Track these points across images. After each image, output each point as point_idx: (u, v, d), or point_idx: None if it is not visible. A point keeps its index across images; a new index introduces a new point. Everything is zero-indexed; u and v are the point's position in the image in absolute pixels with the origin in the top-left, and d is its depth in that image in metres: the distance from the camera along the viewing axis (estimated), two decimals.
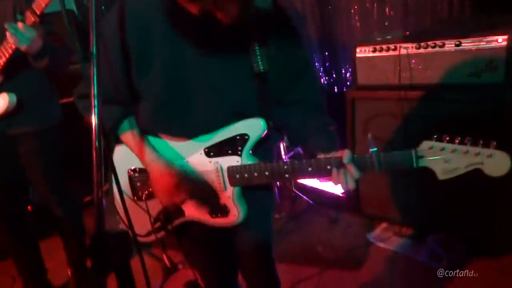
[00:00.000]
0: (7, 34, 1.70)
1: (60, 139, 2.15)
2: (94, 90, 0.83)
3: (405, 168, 1.11)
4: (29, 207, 3.03)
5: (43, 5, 1.69)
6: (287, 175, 1.23)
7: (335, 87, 3.41)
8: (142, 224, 1.40)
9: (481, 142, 1.03)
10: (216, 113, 1.25)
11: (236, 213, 1.32)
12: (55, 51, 1.86)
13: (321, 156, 1.21)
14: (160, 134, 1.33)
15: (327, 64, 3.42)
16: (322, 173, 1.19)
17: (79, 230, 2.37)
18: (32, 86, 1.99)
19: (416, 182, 2.12)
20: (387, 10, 2.96)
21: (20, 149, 2.06)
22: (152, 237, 1.43)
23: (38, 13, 1.71)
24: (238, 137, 1.27)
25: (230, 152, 1.28)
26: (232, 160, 1.28)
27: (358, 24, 3.11)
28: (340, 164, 1.15)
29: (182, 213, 1.37)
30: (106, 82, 1.20)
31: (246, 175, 1.26)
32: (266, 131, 1.26)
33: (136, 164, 1.37)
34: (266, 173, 1.24)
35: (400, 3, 2.88)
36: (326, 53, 3.39)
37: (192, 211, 1.35)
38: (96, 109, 0.86)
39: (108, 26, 1.18)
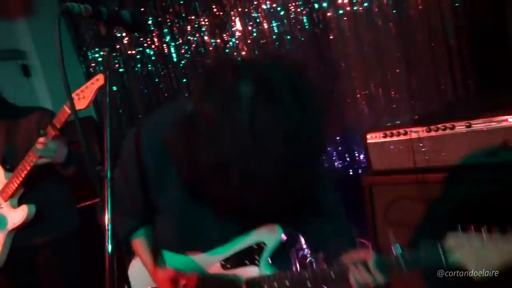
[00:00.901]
0: (32, 149, 1.80)
1: (78, 246, 2.13)
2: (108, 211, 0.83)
3: (435, 265, 1.02)
4: None
5: (63, 120, 1.81)
6: (309, 284, 1.16)
7: (350, 171, 3.40)
8: None
9: (510, 229, 0.92)
10: (231, 224, 1.21)
11: None
12: (80, 158, 1.94)
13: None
14: (176, 248, 1.29)
15: (339, 148, 3.45)
16: (347, 281, 1.10)
17: None
18: (51, 196, 2.05)
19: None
20: (392, 93, 3.06)
21: (38, 259, 2.05)
22: None
23: (58, 127, 1.82)
24: (255, 246, 1.21)
25: (247, 262, 1.22)
26: (250, 271, 1.22)
27: (365, 109, 3.20)
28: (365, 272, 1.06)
29: None
30: (125, 197, 1.22)
31: (265, 286, 1.19)
32: (284, 237, 1.21)
33: (151, 283, 1.30)
34: (287, 282, 1.16)
35: (404, 86, 2.98)
36: (338, 138, 3.44)
37: None
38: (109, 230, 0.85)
39: (126, 146, 1.22)
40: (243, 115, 0.86)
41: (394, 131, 2.09)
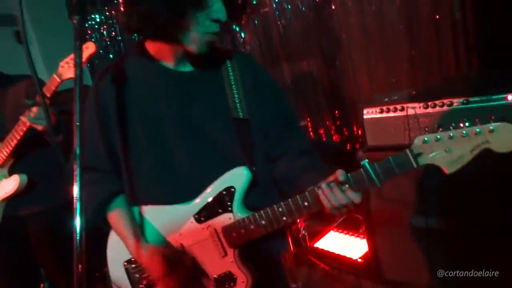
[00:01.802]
0: (21, 117, 1.77)
1: (68, 216, 2.14)
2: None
3: (407, 171, 1.02)
4: (41, 284, 2.99)
5: (53, 88, 1.77)
6: (284, 218, 1.14)
7: (348, 145, 3.38)
8: None
9: (478, 119, 0.95)
10: (200, 171, 1.21)
11: (244, 278, 1.20)
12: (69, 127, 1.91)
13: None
14: (148, 203, 1.27)
15: (337, 123, 3.41)
16: (320, 204, 1.09)
17: None
18: (41, 166, 2.03)
19: (439, 241, 2.00)
20: (393, 67, 2.99)
21: (29, 229, 2.06)
22: None
23: (48, 95, 1.78)
24: (224, 192, 1.19)
25: (220, 211, 1.20)
26: (225, 219, 1.19)
27: (365, 82, 3.13)
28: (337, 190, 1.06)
29: None
30: (95, 148, 1.25)
31: (242, 231, 1.17)
32: (251, 178, 1.19)
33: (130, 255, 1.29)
34: (263, 222, 1.15)
35: (406, 60, 2.90)
36: (336, 112, 3.40)
37: None
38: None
39: (88, 102, 1.27)
40: None
41: (391, 107, 2.05)
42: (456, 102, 1.85)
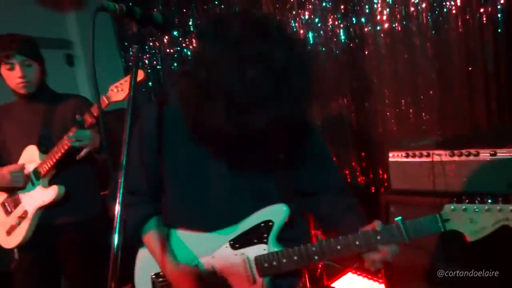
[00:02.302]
0: (65, 137, 1.93)
1: (99, 230, 2.22)
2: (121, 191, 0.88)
3: (434, 232, 1.15)
4: None
5: (98, 111, 1.91)
6: (316, 257, 1.22)
7: (372, 188, 3.38)
8: None
9: (501, 199, 1.09)
10: (238, 204, 1.28)
11: None
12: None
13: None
14: (183, 227, 1.35)
15: (363, 164, 3.43)
16: (352, 249, 1.18)
17: None
18: (79, 180, 2.16)
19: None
20: (423, 114, 3.02)
21: (60, 239, 2.16)
22: None
23: (95, 115, 1.93)
24: (262, 225, 1.27)
25: (255, 241, 1.27)
26: (259, 249, 1.26)
27: (394, 127, 3.17)
28: (370, 239, 1.16)
29: None
30: (137, 174, 1.34)
31: (274, 263, 1.24)
32: (289, 214, 1.26)
33: (159, 268, 1.37)
34: (295, 257, 1.23)
35: (436, 109, 2.93)
36: (363, 153, 3.43)
37: None
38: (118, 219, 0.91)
39: (146, 115, 1.36)
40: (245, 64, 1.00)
41: (417, 152, 2.08)
42: (483, 152, 1.87)
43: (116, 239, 0.89)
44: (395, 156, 2.18)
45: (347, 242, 1.19)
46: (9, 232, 2.11)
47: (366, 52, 3.21)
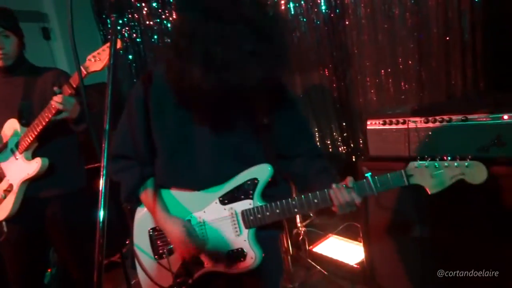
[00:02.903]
0: (51, 103, 1.91)
1: (84, 204, 2.25)
2: (104, 164, 0.91)
3: (399, 186, 1.32)
4: (49, 269, 3.10)
5: (78, 80, 1.91)
6: (296, 210, 1.40)
7: (353, 157, 3.47)
8: (165, 281, 1.50)
9: (458, 157, 1.24)
10: (225, 165, 1.42)
11: (253, 255, 1.42)
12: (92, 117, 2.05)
13: None
14: (176, 187, 1.49)
15: (344, 134, 3.51)
16: (327, 201, 1.36)
17: None
18: (63, 153, 2.16)
19: (429, 251, 2.08)
20: (402, 84, 3.09)
21: (47, 211, 2.18)
22: None
23: (74, 86, 1.93)
24: (249, 182, 1.42)
25: (242, 197, 1.43)
26: (245, 204, 1.43)
27: (373, 97, 3.24)
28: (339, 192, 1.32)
29: (201, 264, 1.48)
30: (129, 139, 1.48)
31: (259, 215, 1.41)
32: (273, 174, 1.42)
33: (155, 223, 1.52)
34: (277, 210, 1.39)
35: (415, 78, 3.00)
36: (344, 123, 3.50)
37: (211, 261, 1.47)
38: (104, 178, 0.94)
39: (135, 92, 1.48)
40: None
41: (394, 120, 2.15)
42: (455, 118, 1.95)
43: (101, 212, 0.92)
44: (372, 124, 2.25)
45: (323, 195, 1.36)
46: None
47: (347, 23, 3.23)
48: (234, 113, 1.40)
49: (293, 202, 1.38)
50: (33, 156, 2.08)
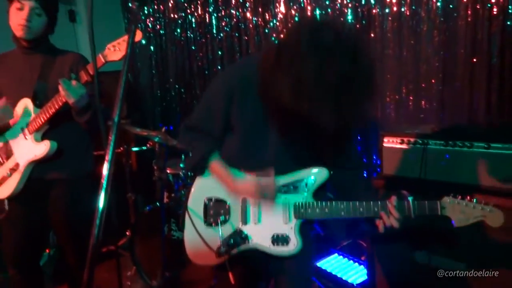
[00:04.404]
0: (60, 87, 1.89)
1: (89, 190, 2.23)
2: (109, 158, 0.88)
3: (431, 214, 1.46)
4: (47, 250, 3.10)
5: (97, 67, 1.88)
6: (343, 213, 1.53)
7: (364, 172, 3.39)
8: (210, 246, 1.65)
9: (483, 201, 1.44)
10: (287, 162, 1.59)
11: (295, 243, 1.58)
12: (97, 111, 2.02)
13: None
14: (243, 169, 1.62)
15: (358, 148, 3.44)
16: (371, 214, 1.51)
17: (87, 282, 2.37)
18: (72, 138, 2.15)
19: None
20: (423, 102, 3.01)
21: (50, 194, 2.17)
22: (217, 259, 1.65)
23: (91, 73, 1.90)
24: (307, 179, 1.60)
25: (298, 190, 1.60)
26: (298, 197, 1.60)
27: (392, 113, 3.16)
28: (386, 207, 1.48)
29: (247, 239, 1.64)
30: (210, 116, 1.64)
31: (309, 210, 1.57)
32: (328, 178, 1.58)
33: (213, 194, 1.70)
34: (326, 210, 1.56)
35: (437, 98, 2.92)
36: (359, 137, 3.43)
37: (257, 238, 1.63)
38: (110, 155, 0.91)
39: (228, 74, 1.68)
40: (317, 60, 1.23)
41: (412, 139, 2.08)
42: (478, 145, 1.87)
43: (102, 197, 0.89)
44: (389, 142, 2.18)
45: (369, 207, 1.50)
46: (0, 183, 2.12)
47: (372, 35, 3.17)
48: (303, 129, 1.48)
49: (342, 206, 1.52)
50: (43, 138, 2.07)
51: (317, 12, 3.40)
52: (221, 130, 1.64)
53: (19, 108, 2.09)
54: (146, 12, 4.50)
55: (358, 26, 3.22)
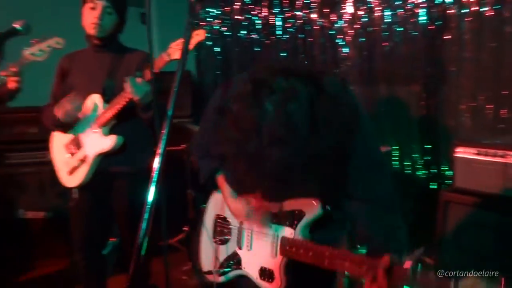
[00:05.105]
0: (125, 85, 1.97)
1: (148, 184, 2.29)
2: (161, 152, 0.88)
3: None
4: (111, 239, 3.25)
5: (160, 66, 1.94)
6: (326, 261, 1.25)
7: (433, 184, 3.16)
8: (209, 263, 1.63)
9: None
10: (283, 188, 1.40)
11: (279, 283, 1.37)
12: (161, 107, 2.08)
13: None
14: (240, 192, 1.53)
15: (427, 157, 3.22)
16: (356, 271, 1.17)
17: (144, 273, 2.44)
18: (136, 133, 2.23)
19: None
20: (502, 111, 2.74)
21: (114, 185, 2.28)
22: (211, 277, 1.61)
23: (155, 71, 1.95)
24: (296, 212, 1.38)
25: (287, 223, 1.40)
26: (287, 232, 1.39)
27: (467, 121, 2.91)
28: (373, 269, 1.11)
29: (239, 264, 1.53)
30: (207, 140, 1.59)
31: (294, 249, 1.34)
32: (322, 215, 1.33)
33: (222, 212, 1.65)
34: (310, 253, 1.29)
35: None
36: (428, 146, 3.21)
37: (247, 265, 1.50)
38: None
39: (213, 99, 1.59)
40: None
41: (490, 151, 1.89)
42: None
43: (152, 191, 0.89)
44: (463, 152, 2.00)
45: (355, 261, 1.18)
46: (70, 172, 2.26)
47: (448, 37, 2.95)
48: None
49: (327, 253, 1.25)
50: (110, 132, 2.17)
51: (387, 13, 3.24)
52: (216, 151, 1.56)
53: (89, 103, 2.21)
54: (214, 14, 4.59)
55: (431, 27, 3.02)
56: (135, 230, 2.27)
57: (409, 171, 3.32)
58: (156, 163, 0.90)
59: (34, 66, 2.18)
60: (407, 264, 1.08)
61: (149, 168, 2.25)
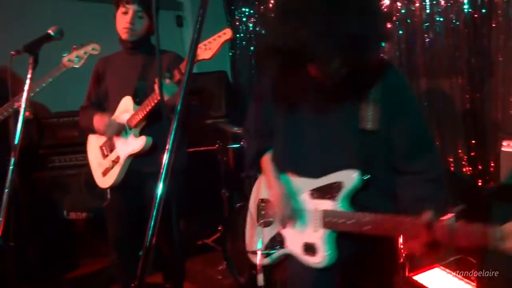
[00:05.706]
0: (155, 86, 1.99)
1: (181, 185, 2.31)
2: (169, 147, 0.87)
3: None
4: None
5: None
6: (366, 227, 1.31)
7: (479, 181, 2.96)
8: (255, 246, 1.65)
9: None
10: (323, 162, 1.48)
11: (322, 255, 1.42)
12: (190, 108, 2.09)
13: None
14: (285, 169, 1.62)
15: (472, 153, 3.02)
16: (398, 231, 1.28)
17: (179, 273, 2.46)
18: (166, 133, 2.24)
19: None
20: None
21: (146, 186, 2.30)
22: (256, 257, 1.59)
23: (183, 71, 1.96)
24: (334, 184, 1.43)
25: (328, 197, 1.45)
26: (328, 204, 1.45)
27: None
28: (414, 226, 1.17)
29: (283, 243, 1.58)
30: (252, 127, 1.74)
31: (335, 219, 1.39)
32: (360, 183, 1.38)
33: (266, 195, 1.70)
34: (350, 222, 1.35)
35: None
36: (473, 141, 3.01)
37: (291, 242, 1.55)
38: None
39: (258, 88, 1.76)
40: None
41: None
42: None
43: (160, 187, 0.89)
44: (509, 146, 1.85)
45: (397, 220, 1.25)
46: (104, 173, 2.33)
47: (494, 25, 2.75)
48: (340, 108, 1.42)
49: (367, 219, 1.31)
50: (141, 133, 2.21)
51: (427, 2, 3.08)
52: (266, 130, 1.67)
53: (121, 106, 2.26)
54: (247, 13, 4.58)
55: (475, 15, 2.83)
56: (169, 231, 2.33)
57: (453, 168, 3.14)
58: (165, 158, 0.90)
59: (74, 71, 2.28)
60: (447, 218, 1.14)
61: (181, 171, 2.33)
